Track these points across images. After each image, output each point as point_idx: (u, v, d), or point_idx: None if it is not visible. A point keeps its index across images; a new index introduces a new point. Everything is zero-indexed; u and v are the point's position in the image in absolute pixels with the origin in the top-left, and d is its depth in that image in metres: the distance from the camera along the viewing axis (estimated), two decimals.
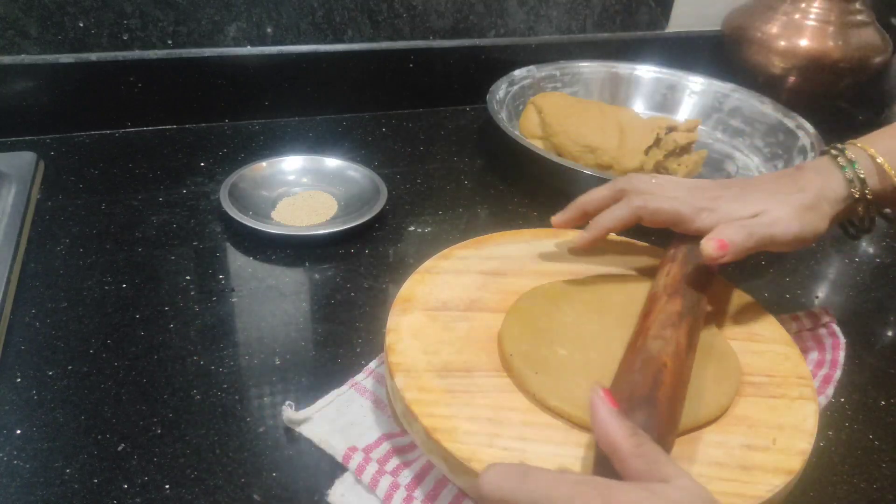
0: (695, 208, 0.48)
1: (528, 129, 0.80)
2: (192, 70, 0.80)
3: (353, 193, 0.69)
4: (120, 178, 0.71)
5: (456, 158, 0.81)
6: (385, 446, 0.44)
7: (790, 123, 0.81)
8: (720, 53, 1.02)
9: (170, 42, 0.78)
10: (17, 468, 0.41)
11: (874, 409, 0.51)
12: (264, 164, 0.71)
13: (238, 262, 0.60)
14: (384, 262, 0.62)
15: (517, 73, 0.86)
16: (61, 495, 0.40)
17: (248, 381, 0.49)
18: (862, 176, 0.48)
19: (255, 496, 0.41)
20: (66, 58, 0.75)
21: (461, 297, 0.50)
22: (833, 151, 0.50)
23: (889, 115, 0.96)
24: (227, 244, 0.62)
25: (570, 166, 0.69)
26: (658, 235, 0.59)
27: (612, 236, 0.57)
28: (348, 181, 0.71)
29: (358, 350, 0.52)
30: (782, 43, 0.93)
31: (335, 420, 0.46)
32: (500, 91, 0.83)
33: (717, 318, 0.49)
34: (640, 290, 0.50)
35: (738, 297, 0.52)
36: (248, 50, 0.81)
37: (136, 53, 0.77)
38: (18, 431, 0.43)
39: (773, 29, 0.94)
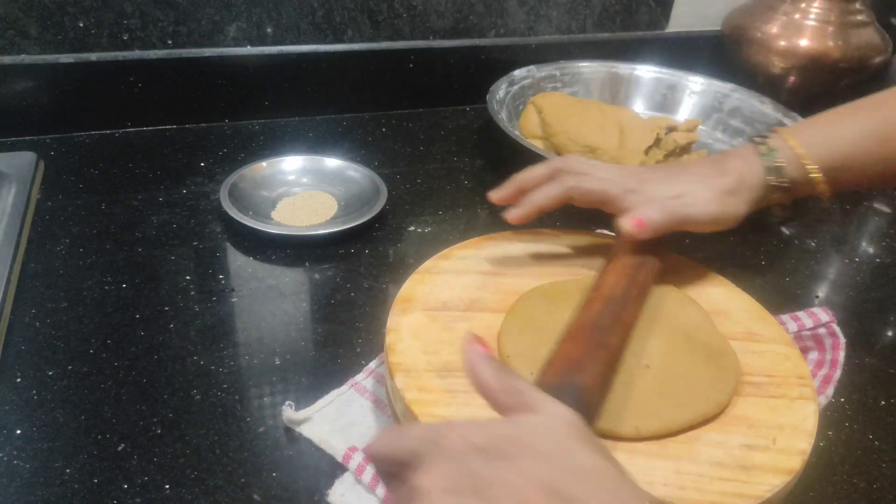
0: (623, 189, 0.50)
1: (528, 129, 0.80)
2: (192, 70, 0.80)
3: (353, 193, 0.69)
4: (120, 178, 0.71)
5: (456, 158, 0.81)
6: None
7: (790, 123, 0.81)
8: (720, 53, 1.02)
9: (170, 42, 0.78)
10: (17, 468, 0.41)
11: (874, 409, 0.51)
12: (264, 164, 0.71)
13: (238, 262, 0.60)
14: (384, 262, 0.62)
15: (517, 73, 0.86)
16: (61, 495, 0.40)
17: (248, 381, 0.49)
18: (779, 165, 0.49)
19: (255, 496, 0.41)
20: (66, 58, 0.75)
21: (461, 297, 0.50)
22: (757, 139, 0.51)
23: None
24: (227, 244, 0.62)
25: None
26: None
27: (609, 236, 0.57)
28: (348, 181, 0.71)
29: (358, 350, 0.52)
30: (782, 43, 0.93)
31: (335, 420, 0.46)
32: (500, 91, 0.83)
33: (717, 317, 0.49)
34: None
35: (738, 297, 0.52)
36: (248, 50, 0.81)
37: (136, 53, 0.77)
38: (18, 431, 0.43)
39: (773, 29, 0.94)
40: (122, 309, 0.54)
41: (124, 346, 0.50)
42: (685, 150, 0.76)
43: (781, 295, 0.62)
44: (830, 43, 0.91)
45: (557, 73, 0.90)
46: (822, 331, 0.54)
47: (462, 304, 0.49)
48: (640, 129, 0.74)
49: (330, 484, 0.42)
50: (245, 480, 0.42)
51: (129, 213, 0.65)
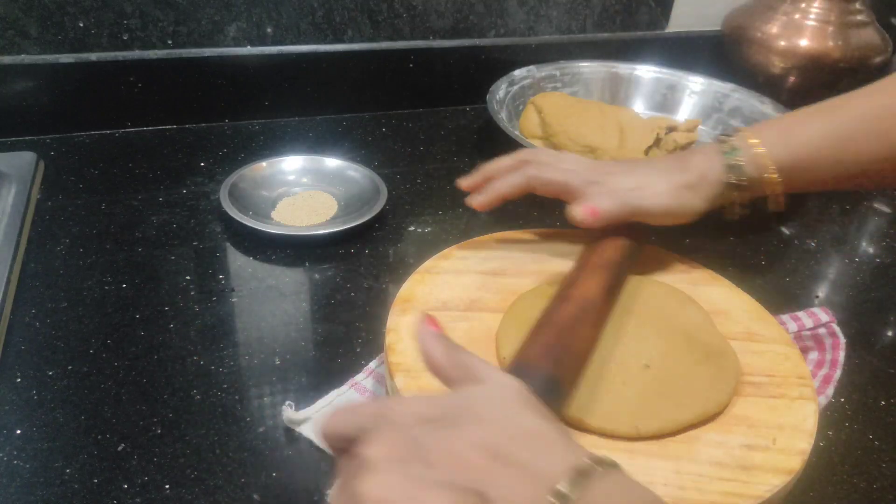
0: (585, 181, 0.51)
1: (528, 129, 0.80)
2: (192, 70, 0.80)
3: (353, 193, 0.69)
4: (120, 178, 0.71)
5: (456, 158, 0.81)
6: None
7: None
8: (720, 53, 1.02)
9: (170, 42, 0.78)
10: (17, 468, 0.41)
11: (874, 409, 0.51)
12: (264, 164, 0.71)
13: (238, 262, 0.60)
14: (384, 262, 0.62)
15: (517, 73, 0.86)
16: (61, 495, 0.40)
17: (248, 381, 0.48)
18: (739, 163, 0.50)
19: (255, 496, 0.41)
20: (66, 58, 0.75)
21: (461, 297, 0.50)
22: (722, 138, 0.52)
23: None
24: (227, 244, 0.62)
25: None
26: (658, 235, 0.59)
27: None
28: (348, 181, 0.71)
29: (358, 350, 0.52)
30: (782, 43, 0.93)
31: None
32: (500, 91, 0.83)
33: (717, 317, 0.49)
34: (637, 290, 0.50)
35: (738, 297, 0.52)
36: (248, 50, 0.81)
37: (136, 53, 0.77)
38: (18, 431, 0.43)
39: (773, 29, 0.94)
40: (122, 309, 0.54)
41: (124, 346, 0.50)
42: (685, 150, 0.76)
43: (781, 295, 0.62)
44: (830, 43, 0.91)
45: (557, 73, 0.90)
46: (822, 331, 0.54)
47: (462, 304, 0.49)
48: (640, 129, 0.74)
49: (330, 484, 0.41)
50: (245, 480, 0.42)
51: (129, 213, 0.65)
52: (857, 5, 0.93)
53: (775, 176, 0.50)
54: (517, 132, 0.76)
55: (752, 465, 0.38)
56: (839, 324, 0.53)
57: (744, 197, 0.51)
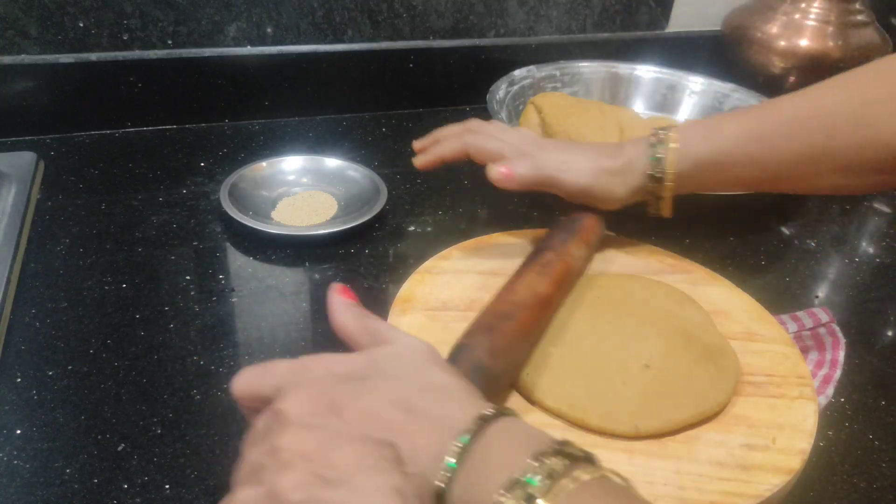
0: (518, 152, 0.54)
1: (528, 129, 0.80)
2: (192, 70, 0.80)
3: (353, 193, 0.69)
4: (120, 178, 0.71)
5: None
6: None
7: None
8: (720, 53, 1.02)
9: (170, 42, 0.78)
10: (17, 468, 0.41)
11: (874, 409, 0.51)
12: (264, 164, 0.71)
13: (238, 262, 0.60)
14: (384, 262, 0.62)
15: (517, 73, 0.86)
16: (61, 495, 0.40)
17: None
18: (660, 157, 0.51)
19: None
20: (66, 58, 0.75)
21: (461, 297, 0.50)
22: (659, 132, 0.53)
23: None
24: (227, 244, 0.62)
25: None
26: (658, 236, 0.59)
27: (609, 236, 0.57)
28: (348, 181, 0.71)
29: None
30: (782, 43, 0.93)
31: None
32: (500, 91, 0.82)
33: (717, 317, 0.49)
34: (637, 290, 0.50)
35: (738, 297, 0.52)
36: (248, 50, 0.81)
37: (136, 53, 0.77)
38: (18, 431, 0.43)
39: (773, 29, 0.94)
40: (122, 309, 0.54)
41: (124, 346, 0.50)
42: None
43: (781, 295, 0.62)
44: (830, 43, 0.91)
45: (557, 73, 0.90)
46: (822, 331, 0.54)
47: (462, 304, 0.49)
48: (640, 129, 0.74)
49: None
50: None
51: (129, 213, 0.65)
52: (857, 5, 0.93)
53: (672, 173, 0.51)
54: None
55: (752, 464, 0.38)
56: (839, 324, 0.53)
57: (661, 191, 0.52)
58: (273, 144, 0.80)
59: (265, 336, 0.53)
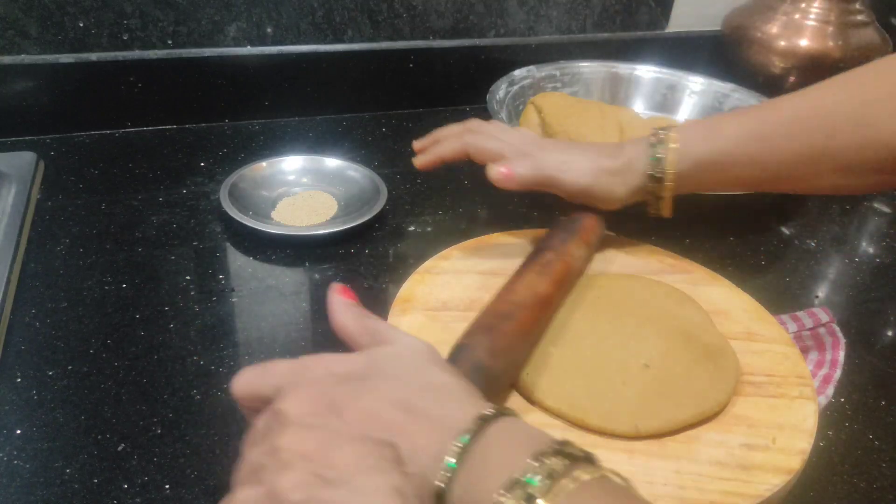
0: (518, 152, 0.54)
1: (529, 129, 0.80)
2: (192, 70, 0.80)
3: (353, 193, 0.69)
4: (120, 178, 0.71)
5: None
6: None
7: None
8: (720, 53, 1.02)
9: (170, 42, 0.78)
10: (17, 468, 0.41)
11: (874, 409, 0.51)
12: (264, 164, 0.71)
13: (238, 262, 0.60)
14: (384, 262, 0.62)
15: (517, 73, 0.86)
16: (61, 495, 0.40)
17: None
18: (660, 157, 0.51)
19: None
20: (66, 58, 0.75)
21: (461, 297, 0.50)
22: (659, 131, 0.53)
23: None
24: (227, 244, 0.62)
25: None
26: (658, 236, 0.59)
27: (610, 235, 0.57)
28: (348, 181, 0.71)
29: None
30: (782, 43, 0.93)
31: None
32: (500, 91, 0.82)
33: (717, 317, 0.49)
34: (637, 290, 0.50)
35: (738, 297, 0.52)
36: (248, 50, 0.81)
37: (136, 53, 0.77)
38: (18, 431, 0.43)
39: (773, 29, 0.94)
40: (122, 309, 0.54)
41: (124, 346, 0.50)
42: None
43: (781, 295, 0.62)
44: (830, 43, 0.91)
45: (557, 73, 0.90)
46: (822, 331, 0.54)
47: (462, 304, 0.49)
48: (640, 129, 0.74)
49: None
50: None
51: (129, 213, 0.65)
52: (857, 5, 0.93)
53: (672, 173, 0.51)
54: None
55: (752, 464, 0.38)
56: (839, 324, 0.53)
57: (661, 191, 0.52)
58: (273, 144, 0.80)
59: (265, 336, 0.53)
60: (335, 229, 0.62)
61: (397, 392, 0.29)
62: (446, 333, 0.45)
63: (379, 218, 0.66)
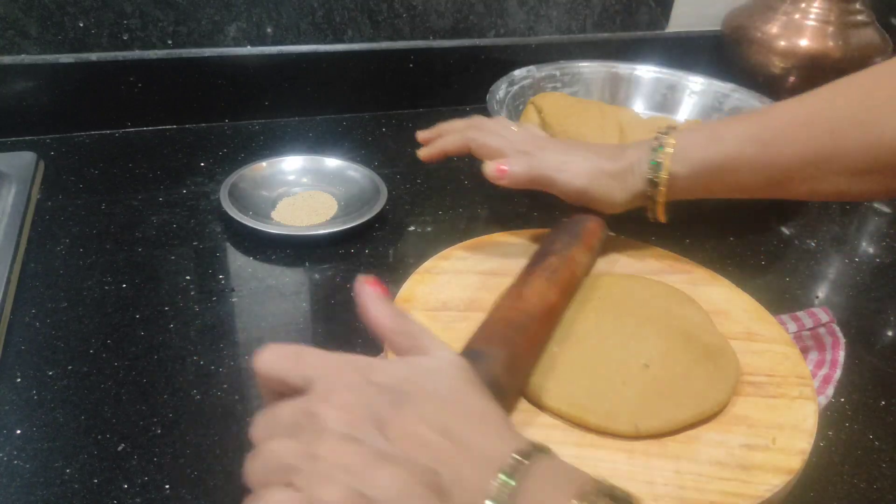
0: (517, 150, 0.54)
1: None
2: (192, 70, 0.80)
3: (353, 193, 0.69)
4: (120, 178, 0.71)
5: (456, 158, 0.80)
6: None
7: None
8: (720, 53, 1.02)
9: (170, 42, 0.78)
10: (17, 468, 0.41)
11: (874, 409, 0.51)
12: (264, 164, 0.71)
13: (238, 262, 0.60)
14: (384, 262, 0.62)
15: (517, 73, 0.86)
16: (61, 495, 0.40)
17: (248, 381, 0.48)
18: (660, 161, 0.51)
19: None
20: (66, 58, 0.75)
21: (461, 297, 0.50)
22: (660, 135, 0.52)
23: None
24: (227, 244, 0.62)
25: None
26: (658, 235, 0.59)
27: (611, 236, 0.57)
28: (348, 181, 0.71)
29: (358, 350, 0.52)
30: (782, 43, 0.93)
31: None
32: (500, 91, 0.82)
33: (717, 317, 0.49)
34: (637, 290, 0.50)
35: (738, 297, 0.52)
36: (248, 50, 0.81)
37: (136, 53, 0.77)
38: (18, 431, 0.43)
39: (773, 29, 0.94)
40: (122, 309, 0.54)
41: (124, 346, 0.50)
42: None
43: (781, 295, 0.62)
44: (830, 43, 0.91)
45: (557, 73, 0.90)
46: (822, 331, 0.54)
47: (462, 304, 0.49)
48: (640, 129, 0.74)
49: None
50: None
51: (129, 213, 0.65)
52: (857, 5, 0.93)
53: (665, 178, 0.50)
54: None
55: (752, 464, 0.38)
56: (839, 324, 0.53)
57: (659, 195, 0.52)
58: (273, 144, 0.80)
59: (265, 336, 0.53)
60: (335, 229, 0.62)
61: (441, 416, 0.29)
62: (447, 333, 0.45)
63: (379, 218, 0.66)
